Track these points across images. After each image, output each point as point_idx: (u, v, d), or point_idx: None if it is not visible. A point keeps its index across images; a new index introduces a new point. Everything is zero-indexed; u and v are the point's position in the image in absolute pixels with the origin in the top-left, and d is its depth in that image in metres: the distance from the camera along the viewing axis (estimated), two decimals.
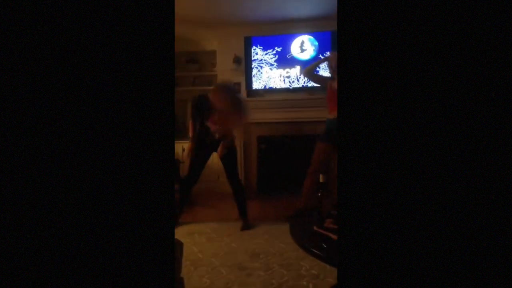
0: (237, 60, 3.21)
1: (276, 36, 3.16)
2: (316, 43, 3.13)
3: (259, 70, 3.21)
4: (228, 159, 2.23)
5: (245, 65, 3.22)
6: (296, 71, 3.16)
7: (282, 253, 1.78)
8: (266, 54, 3.18)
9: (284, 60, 3.16)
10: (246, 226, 2.21)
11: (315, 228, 1.10)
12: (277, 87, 3.18)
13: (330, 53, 3.00)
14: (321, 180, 1.37)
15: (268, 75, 3.19)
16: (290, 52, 3.16)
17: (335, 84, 2.03)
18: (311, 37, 3.13)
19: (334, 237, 0.99)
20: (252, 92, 3.23)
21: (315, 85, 3.11)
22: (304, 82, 3.16)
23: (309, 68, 2.42)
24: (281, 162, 3.29)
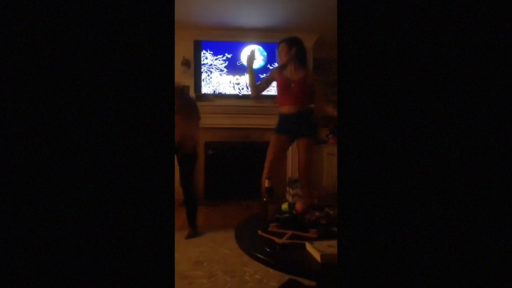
0: (185, 63, 3.14)
1: (226, 42, 3.19)
2: (265, 53, 3.23)
3: (208, 75, 3.18)
4: (185, 165, 2.15)
5: (194, 68, 3.16)
6: (245, 78, 3.21)
7: (226, 260, 1.76)
8: (216, 59, 3.17)
9: (234, 67, 3.19)
10: (194, 234, 2.14)
11: (259, 232, 1.11)
12: (226, 93, 3.19)
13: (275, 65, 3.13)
14: (266, 185, 1.40)
15: (218, 80, 3.18)
16: (240, 60, 3.20)
17: (285, 72, 2.02)
18: (260, 47, 3.23)
19: (278, 241, 1.01)
20: (201, 97, 3.18)
21: (265, 93, 3.21)
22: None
23: (252, 85, 2.10)
24: (229, 169, 3.28)
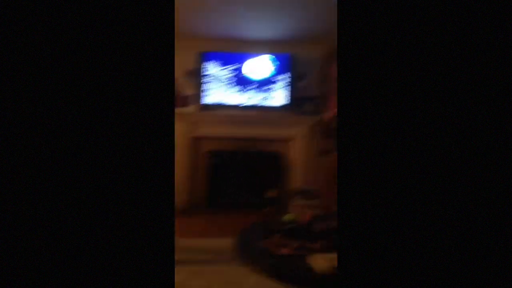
0: (190, 74, 3.17)
1: (233, 53, 3.21)
2: (273, 65, 3.25)
3: (212, 85, 3.20)
4: None
5: (199, 79, 3.19)
6: (252, 88, 3.22)
7: (227, 270, 1.70)
8: (222, 70, 3.20)
9: (240, 78, 3.21)
10: None
11: (262, 243, 1.06)
12: (230, 104, 3.19)
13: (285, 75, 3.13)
14: (269, 195, 1.36)
15: (222, 91, 3.19)
16: (246, 71, 3.22)
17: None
18: (267, 58, 3.24)
19: (281, 252, 0.97)
20: (205, 107, 3.19)
21: (271, 104, 3.21)
22: (258, 101, 3.22)
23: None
24: (233, 178, 3.24)
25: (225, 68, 3.20)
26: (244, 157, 3.27)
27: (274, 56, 3.23)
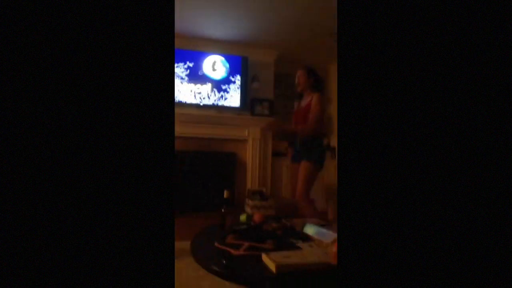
0: None
1: (188, 50, 3.15)
2: (228, 65, 3.26)
3: None
4: None
5: None
6: (207, 88, 3.19)
7: (182, 274, 1.68)
8: (177, 67, 3.12)
9: (196, 76, 3.16)
10: None
11: (216, 244, 1.08)
12: (187, 102, 3.13)
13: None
14: (225, 196, 1.39)
15: (178, 88, 3.12)
16: (202, 69, 3.19)
17: (299, 103, 2.12)
18: (223, 59, 3.25)
19: (235, 252, 1.00)
20: None
21: (226, 104, 3.22)
22: (215, 100, 3.21)
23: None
24: (187, 178, 3.18)
25: (181, 65, 3.13)
26: (199, 157, 3.24)
27: (227, 57, 3.25)
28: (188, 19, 2.81)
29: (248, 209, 3.07)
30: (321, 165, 2.01)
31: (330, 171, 3.39)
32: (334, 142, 3.59)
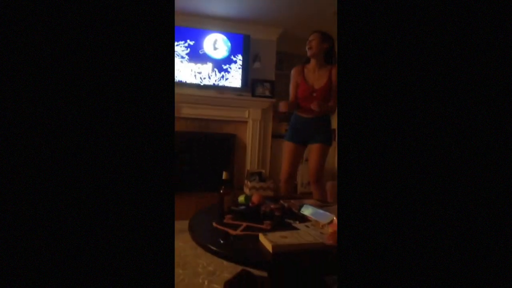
0: None
1: (188, 28, 3.06)
2: (229, 44, 3.18)
3: None
4: None
5: None
6: (208, 68, 3.13)
7: (180, 252, 1.72)
8: (177, 45, 3.04)
9: (196, 55, 3.09)
10: None
11: (214, 224, 1.10)
12: (187, 81, 3.08)
13: (241, 56, 3.10)
14: (224, 177, 1.39)
15: (178, 67, 3.05)
16: (203, 48, 3.11)
17: (308, 74, 1.86)
18: (224, 37, 3.16)
19: (232, 232, 1.01)
20: None
21: (226, 84, 3.17)
22: (215, 81, 3.16)
23: (290, 106, 1.88)
24: (186, 159, 3.20)
25: (182, 43, 3.05)
26: (199, 138, 3.23)
27: (229, 36, 3.17)
28: None
29: (247, 190, 3.10)
30: (331, 143, 1.95)
31: (331, 153, 3.39)
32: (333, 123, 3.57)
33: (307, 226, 1.09)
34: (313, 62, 1.87)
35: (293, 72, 1.97)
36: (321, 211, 1.18)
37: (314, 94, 1.84)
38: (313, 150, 1.91)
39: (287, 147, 1.99)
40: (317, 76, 1.86)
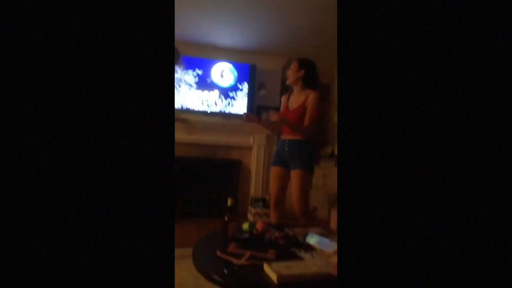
0: None
1: (197, 58, 3.20)
2: (236, 73, 3.29)
3: (176, 89, 3.14)
4: None
5: None
6: (214, 95, 3.22)
7: (182, 282, 1.68)
8: (186, 74, 3.16)
9: (204, 84, 3.20)
10: None
11: (218, 253, 1.08)
12: (194, 109, 3.16)
13: (247, 83, 3.20)
14: (228, 204, 1.39)
15: (186, 95, 3.15)
16: (210, 77, 3.22)
17: (291, 97, 1.92)
18: (231, 66, 3.29)
19: (236, 262, 1.00)
20: None
21: (232, 111, 3.24)
22: (222, 108, 3.24)
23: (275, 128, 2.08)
24: (191, 185, 3.20)
25: (190, 72, 3.17)
26: (205, 164, 3.25)
27: (236, 65, 3.29)
28: (198, 28, 2.86)
29: (250, 217, 3.06)
30: (313, 170, 1.86)
31: (334, 179, 3.36)
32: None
33: (313, 256, 1.07)
34: (295, 88, 1.94)
35: (282, 98, 2.09)
36: (327, 240, 1.16)
37: (287, 116, 1.88)
38: (292, 177, 1.84)
39: (272, 172, 1.99)
40: (295, 100, 1.91)
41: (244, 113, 1.89)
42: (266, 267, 0.92)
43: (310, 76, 1.86)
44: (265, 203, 3.13)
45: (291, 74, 1.89)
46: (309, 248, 1.15)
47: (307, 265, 0.95)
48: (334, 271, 0.90)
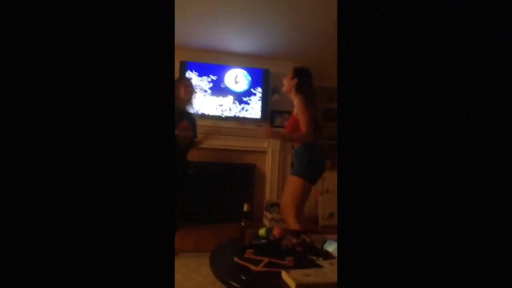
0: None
1: (212, 64, 3.24)
2: (249, 78, 3.31)
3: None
4: None
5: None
6: (229, 100, 3.25)
7: (199, 287, 1.69)
8: (201, 80, 3.21)
9: (218, 89, 3.24)
10: None
11: (235, 259, 1.08)
12: (209, 114, 3.20)
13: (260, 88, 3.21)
14: (245, 209, 1.39)
15: (201, 101, 3.20)
16: (224, 82, 3.26)
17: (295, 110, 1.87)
18: (245, 72, 3.31)
19: (254, 268, 0.99)
20: None
21: (247, 116, 3.26)
22: (236, 112, 3.26)
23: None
24: (206, 190, 3.22)
25: (205, 78, 3.22)
26: (219, 168, 3.27)
27: (249, 70, 3.31)
28: (212, 35, 2.90)
29: (266, 222, 3.04)
30: (313, 180, 1.78)
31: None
32: None
33: (332, 264, 1.05)
34: (291, 96, 1.93)
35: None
36: None
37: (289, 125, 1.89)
38: (287, 182, 1.86)
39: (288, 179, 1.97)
40: (294, 108, 1.90)
41: (259, 125, 1.86)
42: (284, 275, 0.91)
43: (302, 84, 1.85)
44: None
45: (286, 83, 1.92)
46: (328, 255, 1.13)
47: (326, 273, 0.94)
48: None
